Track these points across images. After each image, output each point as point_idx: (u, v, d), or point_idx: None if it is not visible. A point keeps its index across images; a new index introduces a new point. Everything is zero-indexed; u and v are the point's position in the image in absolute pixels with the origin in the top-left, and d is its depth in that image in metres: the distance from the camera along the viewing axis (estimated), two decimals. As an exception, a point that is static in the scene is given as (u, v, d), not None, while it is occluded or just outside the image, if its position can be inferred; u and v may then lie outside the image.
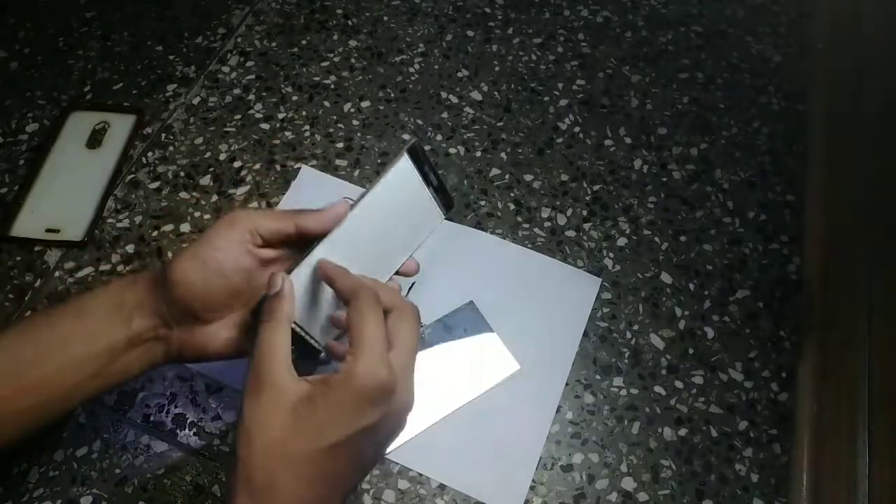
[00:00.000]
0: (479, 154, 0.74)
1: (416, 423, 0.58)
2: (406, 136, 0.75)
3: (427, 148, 0.74)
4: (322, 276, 0.44)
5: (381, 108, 0.77)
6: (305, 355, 0.46)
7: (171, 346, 0.45)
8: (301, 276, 0.45)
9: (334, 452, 0.38)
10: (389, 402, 0.39)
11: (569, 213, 0.70)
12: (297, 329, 0.45)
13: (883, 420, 0.52)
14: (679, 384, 0.61)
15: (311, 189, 0.70)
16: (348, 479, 0.40)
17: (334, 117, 0.76)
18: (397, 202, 0.47)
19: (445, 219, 0.50)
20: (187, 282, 0.43)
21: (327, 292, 0.46)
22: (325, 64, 0.80)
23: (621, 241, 0.69)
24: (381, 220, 0.47)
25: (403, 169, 0.47)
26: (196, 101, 0.77)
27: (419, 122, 0.76)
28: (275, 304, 0.41)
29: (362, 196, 0.46)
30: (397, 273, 0.50)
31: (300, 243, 0.46)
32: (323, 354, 0.48)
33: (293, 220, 0.44)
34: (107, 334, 0.44)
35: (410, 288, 0.64)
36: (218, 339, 0.45)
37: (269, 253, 0.46)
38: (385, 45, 0.82)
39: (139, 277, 0.45)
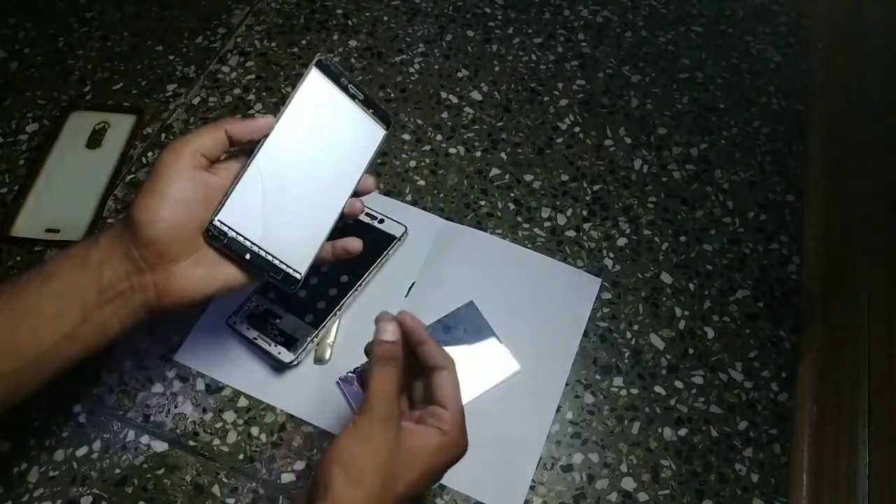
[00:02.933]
0: (479, 154, 0.74)
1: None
2: (406, 136, 0.75)
3: (427, 148, 0.74)
4: (412, 335, 0.47)
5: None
6: (276, 279, 0.48)
7: (148, 294, 0.45)
8: (247, 184, 0.46)
9: (400, 499, 0.42)
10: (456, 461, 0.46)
11: (569, 213, 0.70)
12: (259, 251, 0.46)
13: (883, 420, 0.52)
14: (679, 384, 0.61)
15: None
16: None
17: (334, 117, 0.76)
18: (323, 116, 0.49)
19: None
20: (153, 219, 0.44)
21: (285, 207, 0.48)
22: (325, 64, 0.80)
23: (621, 241, 0.69)
24: (313, 130, 0.49)
25: (317, 83, 0.49)
26: (196, 101, 0.77)
27: (419, 122, 0.76)
28: (390, 349, 0.46)
29: (281, 111, 0.48)
30: (356, 194, 0.52)
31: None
32: (300, 282, 0.49)
33: (221, 126, 0.46)
34: (75, 292, 0.44)
35: (410, 288, 0.64)
36: (193, 277, 0.46)
37: (215, 180, 0.47)
38: (385, 45, 0.82)
39: (100, 235, 0.46)
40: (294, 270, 0.48)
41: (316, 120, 0.49)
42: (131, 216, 0.44)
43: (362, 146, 0.52)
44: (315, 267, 0.50)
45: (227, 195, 0.45)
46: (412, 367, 0.48)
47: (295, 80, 0.79)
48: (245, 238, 0.46)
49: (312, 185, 0.49)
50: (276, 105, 0.77)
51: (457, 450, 0.45)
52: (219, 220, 0.45)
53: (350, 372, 0.60)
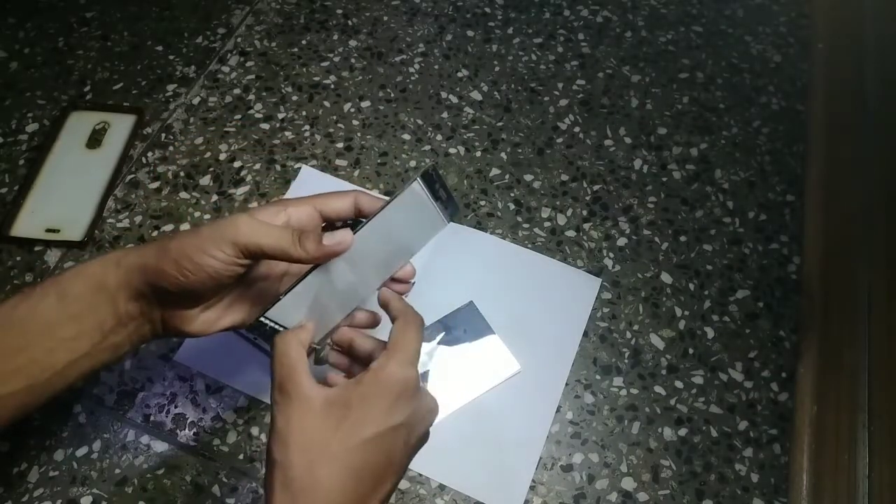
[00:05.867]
0: (479, 154, 0.74)
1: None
2: (406, 136, 0.75)
3: (427, 148, 0.74)
4: (380, 298, 0.47)
5: (381, 108, 0.77)
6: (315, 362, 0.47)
7: (156, 326, 0.46)
8: (302, 288, 0.45)
9: (369, 447, 0.40)
10: (417, 401, 0.42)
11: (569, 213, 0.70)
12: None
13: (883, 420, 0.52)
14: (679, 384, 0.61)
15: (312, 189, 0.70)
16: (384, 478, 0.41)
17: (334, 117, 0.76)
18: (402, 223, 0.47)
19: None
20: (182, 278, 0.43)
21: (325, 296, 0.47)
22: (325, 64, 0.80)
23: (621, 241, 0.69)
24: (384, 238, 0.47)
25: (412, 194, 0.46)
26: (196, 101, 0.77)
27: (419, 122, 0.76)
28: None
29: (370, 219, 0.45)
30: (393, 279, 0.50)
31: None
32: (328, 364, 0.49)
33: (294, 250, 0.43)
34: (94, 316, 0.44)
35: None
36: (198, 319, 0.46)
37: (255, 266, 0.47)
38: (385, 45, 0.82)
39: (122, 260, 0.45)
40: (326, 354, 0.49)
41: (392, 228, 0.46)
42: (161, 261, 0.43)
43: (420, 239, 0.49)
44: None
45: (280, 297, 0.44)
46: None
47: (295, 79, 0.79)
48: (283, 328, 0.45)
49: (358, 277, 0.47)
50: (276, 105, 0.77)
51: (397, 379, 0.41)
52: (265, 318, 0.45)
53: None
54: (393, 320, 0.45)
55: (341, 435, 0.39)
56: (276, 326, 0.45)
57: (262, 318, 0.45)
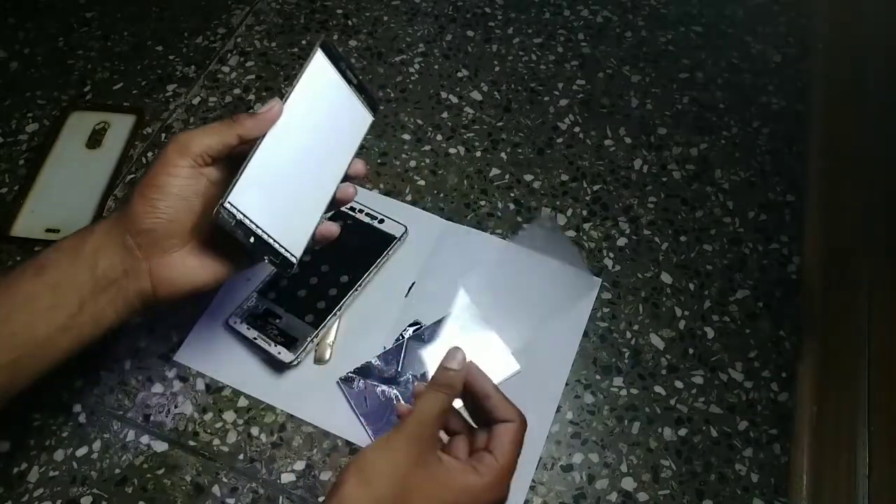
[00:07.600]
0: (479, 154, 0.74)
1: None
2: (406, 136, 0.75)
3: (427, 148, 0.74)
4: (474, 386, 0.47)
5: (381, 107, 0.77)
6: (275, 262, 0.47)
7: (142, 282, 0.46)
8: (254, 168, 0.46)
9: None
10: None
11: (569, 213, 0.70)
12: (262, 234, 0.46)
13: (883, 420, 0.52)
14: (679, 384, 0.61)
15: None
16: None
17: (334, 117, 0.76)
18: (322, 99, 0.50)
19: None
20: (151, 210, 0.44)
21: (283, 190, 0.48)
22: (325, 64, 0.80)
23: (621, 241, 0.69)
24: (312, 114, 0.49)
25: (320, 64, 0.49)
26: (196, 101, 0.77)
27: (419, 122, 0.76)
28: (449, 376, 0.46)
29: (287, 94, 0.48)
30: (347, 178, 0.52)
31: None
32: (295, 266, 0.49)
33: (233, 130, 0.46)
34: (71, 282, 0.44)
35: (411, 288, 0.64)
36: (186, 267, 0.46)
37: (215, 174, 0.48)
38: (385, 45, 0.82)
39: (95, 225, 0.46)
40: (290, 254, 0.48)
41: (316, 103, 0.50)
42: (129, 205, 0.45)
43: (353, 131, 0.53)
44: (305, 251, 0.50)
45: (236, 179, 0.45)
46: (481, 419, 0.48)
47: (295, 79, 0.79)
48: (250, 221, 0.46)
49: (308, 168, 0.50)
50: (276, 105, 0.77)
51: (488, 496, 0.44)
52: (229, 203, 0.45)
53: (350, 372, 0.60)
54: (498, 418, 0.46)
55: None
56: (244, 218, 0.45)
57: (225, 205, 0.44)
